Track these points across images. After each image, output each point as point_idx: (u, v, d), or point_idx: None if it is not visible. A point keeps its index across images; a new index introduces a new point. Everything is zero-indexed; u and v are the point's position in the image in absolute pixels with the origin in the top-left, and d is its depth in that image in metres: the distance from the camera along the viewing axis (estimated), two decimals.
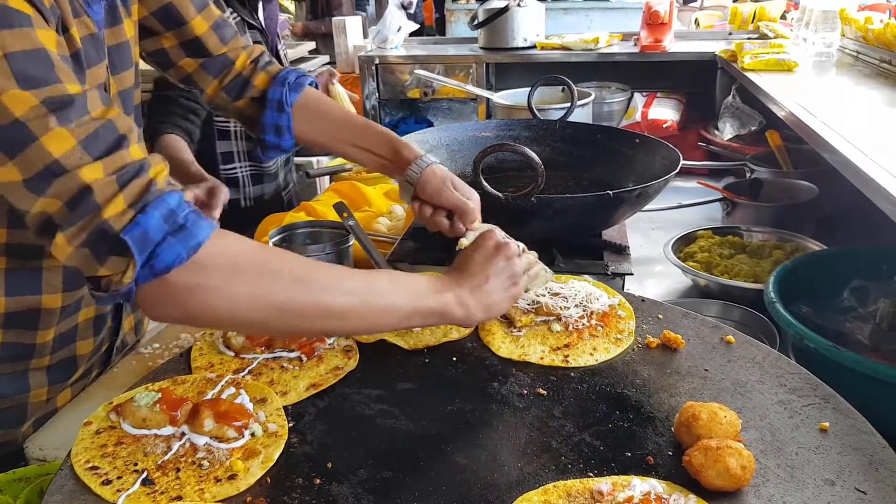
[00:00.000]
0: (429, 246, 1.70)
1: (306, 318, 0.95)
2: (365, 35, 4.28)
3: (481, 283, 1.06)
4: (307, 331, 1.07)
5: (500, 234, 1.19)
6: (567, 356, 1.10)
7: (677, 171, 1.61)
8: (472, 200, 1.29)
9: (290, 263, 0.96)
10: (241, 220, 2.34)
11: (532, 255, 1.19)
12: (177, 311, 0.91)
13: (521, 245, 1.19)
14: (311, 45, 5.71)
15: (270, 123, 1.36)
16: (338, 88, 2.35)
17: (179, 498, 0.83)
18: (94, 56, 1.04)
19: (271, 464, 0.89)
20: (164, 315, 0.95)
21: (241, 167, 2.24)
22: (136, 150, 0.89)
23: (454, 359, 1.12)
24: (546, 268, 1.25)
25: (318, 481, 0.87)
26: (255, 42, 2.17)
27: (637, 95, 2.92)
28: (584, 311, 1.19)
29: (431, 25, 8.02)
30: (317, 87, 1.46)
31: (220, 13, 1.34)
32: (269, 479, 0.87)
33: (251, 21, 2.17)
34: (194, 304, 0.89)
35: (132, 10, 1.20)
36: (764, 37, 2.87)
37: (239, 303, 0.90)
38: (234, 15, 2.11)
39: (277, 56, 2.30)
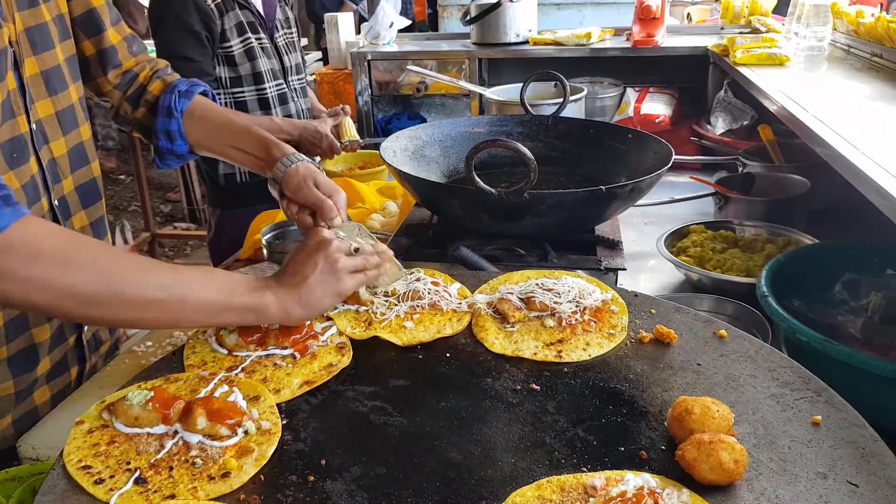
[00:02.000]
0: (423, 242, 1.70)
1: (107, 308, 0.98)
2: (357, 31, 4.26)
3: (300, 281, 1.08)
4: (111, 321, 1.11)
5: (361, 232, 1.21)
6: (560, 351, 1.10)
7: (669, 165, 1.62)
8: (334, 198, 1.29)
9: (96, 254, 0.99)
10: (239, 195, 2.38)
11: (374, 258, 1.17)
12: None
13: (370, 243, 1.19)
14: (303, 40, 5.68)
15: (161, 129, 1.45)
16: (347, 120, 2.37)
17: (173, 496, 0.83)
18: None
19: (265, 461, 0.89)
20: None
21: None
22: None
23: (448, 355, 1.12)
24: (399, 265, 1.23)
25: (311, 478, 0.86)
26: (248, 22, 2.21)
27: (629, 90, 2.92)
28: (577, 306, 1.19)
29: (424, 20, 7.99)
30: (213, 98, 1.54)
31: (130, 31, 1.49)
32: (262, 477, 0.87)
33: (242, 1, 2.21)
34: None
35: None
36: (756, 31, 2.88)
37: (33, 290, 0.94)
38: None
39: (275, 45, 2.34)
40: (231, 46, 2.21)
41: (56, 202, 1.25)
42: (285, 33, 2.43)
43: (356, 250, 1.17)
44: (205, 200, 5.31)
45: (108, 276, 0.97)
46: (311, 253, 1.11)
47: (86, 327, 1.37)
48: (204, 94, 1.51)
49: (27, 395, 1.28)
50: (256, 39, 2.27)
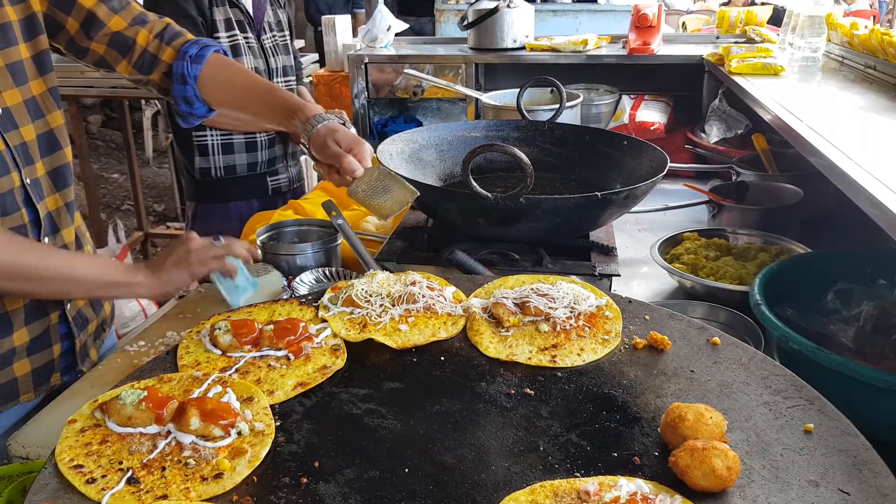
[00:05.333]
0: (418, 246, 1.70)
1: (8, 280, 1.19)
2: (354, 34, 4.27)
3: (160, 262, 1.31)
4: (10, 291, 1.26)
5: (382, 175, 1.33)
6: (554, 356, 1.10)
7: (664, 173, 1.62)
8: (354, 150, 1.33)
9: (2, 240, 1.18)
10: (215, 190, 2.39)
11: (236, 248, 1.33)
12: None
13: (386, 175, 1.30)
14: (301, 42, 5.68)
15: (179, 96, 1.49)
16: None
17: (165, 497, 0.83)
18: None
19: (258, 463, 0.89)
20: None
21: (210, 134, 2.30)
22: None
23: (442, 358, 1.12)
24: (412, 189, 1.37)
25: (304, 480, 0.86)
26: (236, 20, 2.23)
27: (625, 98, 2.93)
28: (571, 311, 1.19)
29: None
30: (226, 53, 1.55)
31: None
32: (255, 478, 0.87)
33: None
34: None
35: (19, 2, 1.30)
36: (751, 41, 2.89)
37: None
38: None
39: (261, 46, 2.35)
40: (219, 39, 2.23)
41: (28, 181, 1.30)
42: (274, 35, 2.44)
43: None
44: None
45: (11, 254, 1.18)
46: (174, 246, 1.32)
47: (68, 304, 1.41)
48: (217, 52, 1.50)
49: (6, 365, 1.32)
50: (243, 38, 2.29)
